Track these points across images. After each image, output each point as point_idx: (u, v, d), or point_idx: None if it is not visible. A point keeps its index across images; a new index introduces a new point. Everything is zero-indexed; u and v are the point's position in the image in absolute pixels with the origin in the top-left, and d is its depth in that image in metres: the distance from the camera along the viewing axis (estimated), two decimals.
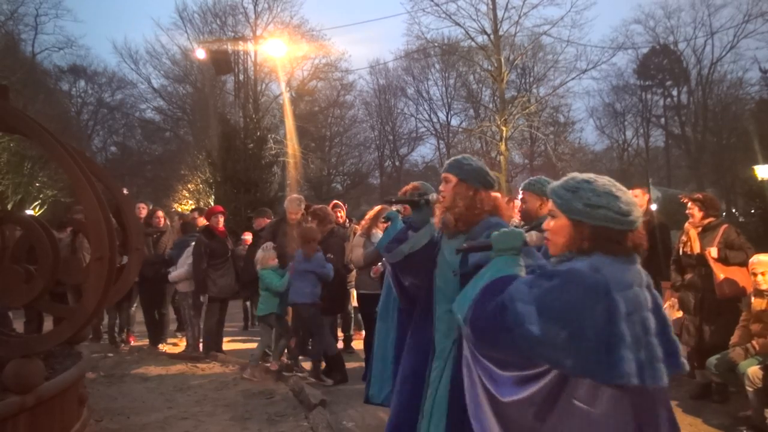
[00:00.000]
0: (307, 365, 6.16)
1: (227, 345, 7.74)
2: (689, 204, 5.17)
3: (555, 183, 1.90)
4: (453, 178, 2.80)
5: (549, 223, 1.85)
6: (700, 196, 5.27)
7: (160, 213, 8.34)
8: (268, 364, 6.27)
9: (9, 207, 19.84)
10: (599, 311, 1.59)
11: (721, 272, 4.81)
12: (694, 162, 31.70)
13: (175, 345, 7.91)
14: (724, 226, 5.07)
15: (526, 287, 1.69)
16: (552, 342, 1.59)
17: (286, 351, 6.33)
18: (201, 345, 7.29)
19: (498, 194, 2.85)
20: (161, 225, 8.06)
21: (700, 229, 5.08)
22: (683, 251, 5.19)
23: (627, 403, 1.61)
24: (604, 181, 1.81)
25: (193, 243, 7.13)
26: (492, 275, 1.86)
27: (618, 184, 1.80)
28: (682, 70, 33.89)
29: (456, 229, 2.75)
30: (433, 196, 3.11)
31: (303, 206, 6.69)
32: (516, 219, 4.09)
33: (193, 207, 16.68)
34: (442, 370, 2.67)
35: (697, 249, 5.06)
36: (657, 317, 1.71)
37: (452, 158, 2.93)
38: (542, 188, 3.19)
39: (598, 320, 1.58)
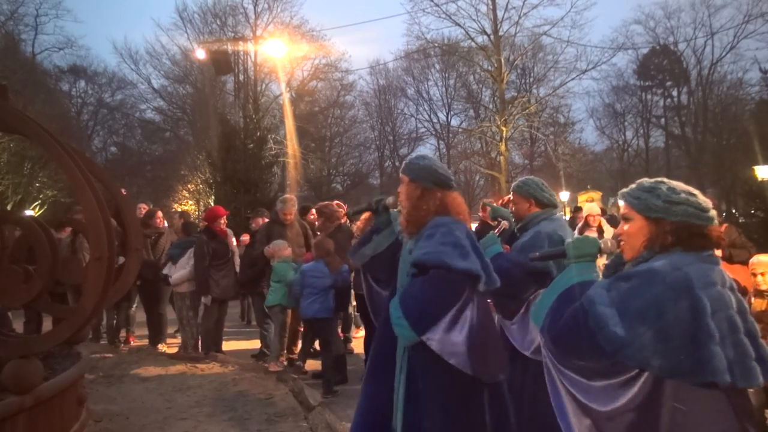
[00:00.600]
0: (310, 366, 6.16)
1: (226, 345, 7.74)
2: None
3: (626, 189, 1.89)
4: (405, 178, 2.80)
5: (623, 227, 1.84)
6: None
7: (159, 213, 8.33)
8: (266, 365, 6.27)
9: (9, 207, 19.84)
10: (683, 308, 1.56)
11: (725, 271, 4.81)
12: (694, 162, 31.73)
13: (174, 346, 7.90)
14: (725, 225, 5.07)
15: (604, 290, 1.67)
16: (638, 342, 1.56)
17: (285, 352, 6.34)
18: (200, 345, 7.28)
19: (455, 194, 2.83)
20: (160, 226, 8.05)
21: None
22: None
23: (726, 403, 1.57)
24: (675, 182, 1.82)
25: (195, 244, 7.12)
26: (567, 282, 1.85)
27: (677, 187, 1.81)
28: (682, 70, 33.94)
29: (407, 229, 2.73)
30: (390, 199, 3.08)
31: (296, 206, 6.68)
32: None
33: (180, 211, 16.65)
34: (400, 373, 2.65)
35: None
36: (743, 320, 1.65)
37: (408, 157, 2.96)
38: (530, 190, 3.26)
39: (683, 317, 1.55)
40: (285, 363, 6.29)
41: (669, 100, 36.22)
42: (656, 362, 1.55)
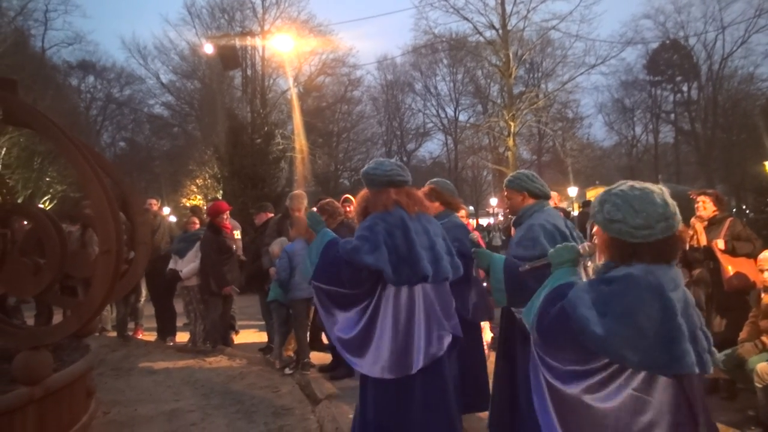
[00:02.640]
0: (316, 359, 6.18)
1: (236, 338, 7.78)
2: (701, 199, 5.15)
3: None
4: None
5: (598, 231, 1.99)
6: (715, 192, 5.26)
7: (153, 201, 8.36)
8: (278, 367, 6.31)
9: (19, 201, 19.98)
10: (656, 309, 1.72)
11: (728, 264, 4.78)
12: (704, 158, 31.49)
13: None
14: (730, 218, 5.06)
15: (585, 293, 1.81)
16: (617, 341, 1.70)
17: (290, 346, 6.36)
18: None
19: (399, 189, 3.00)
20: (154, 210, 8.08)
21: (706, 223, 5.07)
22: (689, 245, 5.17)
23: (680, 389, 1.74)
24: (636, 193, 1.86)
25: (201, 240, 7.16)
26: (551, 285, 2.03)
27: (655, 195, 1.85)
28: (692, 65, 33.65)
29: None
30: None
31: (306, 202, 6.70)
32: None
33: (193, 206, 16.71)
34: None
35: (703, 242, 5.04)
36: (697, 314, 1.84)
37: None
38: (521, 183, 3.34)
39: (657, 317, 1.71)
40: (291, 355, 6.31)
41: (679, 95, 35.94)
42: (635, 358, 1.70)
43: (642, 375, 1.72)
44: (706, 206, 5.11)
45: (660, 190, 1.89)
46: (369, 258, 2.68)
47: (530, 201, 3.32)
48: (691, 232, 5.18)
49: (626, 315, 1.70)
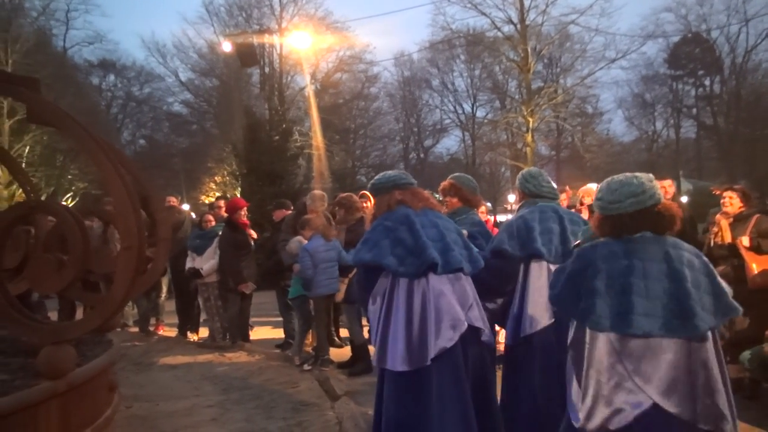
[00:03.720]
0: (335, 356, 6.20)
1: (252, 334, 7.84)
2: (728, 194, 5.05)
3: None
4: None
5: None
6: (741, 188, 5.15)
7: (173, 198, 8.43)
8: (290, 354, 6.34)
9: (42, 199, 20.29)
10: (585, 275, 2.19)
11: (753, 262, 4.69)
12: (726, 153, 30.93)
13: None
14: (757, 215, 4.95)
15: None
16: (561, 299, 2.29)
17: (309, 342, 6.39)
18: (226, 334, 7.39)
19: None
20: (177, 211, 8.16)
21: (731, 219, 4.97)
22: (714, 242, 5.08)
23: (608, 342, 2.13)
24: (619, 178, 2.29)
25: (219, 236, 7.21)
26: None
27: (634, 179, 2.24)
28: (714, 58, 33.03)
29: None
30: None
31: (325, 204, 6.72)
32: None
33: (218, 196, 16.86)
34: None
35: (728, 239, 4.94)
36: (653, 285, 2.11)
37: None
38: (519, 183, 3.58)
39: (582, 280, 2.19)
40: (310, 351, 6.33)
41: (701, 89, 35.29)
42: (574, 313, 2.22)
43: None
44: (732, 202, 5.01)
45: (645, 177, 2.25)
46: (367, 255, 2.83)
47: (525, 199, 3.53)
48: (715, 229, 5.09)
49: (565, 278, 2.26)
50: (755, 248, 4.75)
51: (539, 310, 3.19)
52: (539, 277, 3.26)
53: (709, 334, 2.10)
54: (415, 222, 2.88)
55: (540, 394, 3.11)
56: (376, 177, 3.19)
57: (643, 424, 2.05)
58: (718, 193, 5.20)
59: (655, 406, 2.04)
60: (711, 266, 2.23)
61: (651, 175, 2.29)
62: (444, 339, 2.75)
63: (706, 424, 2.05)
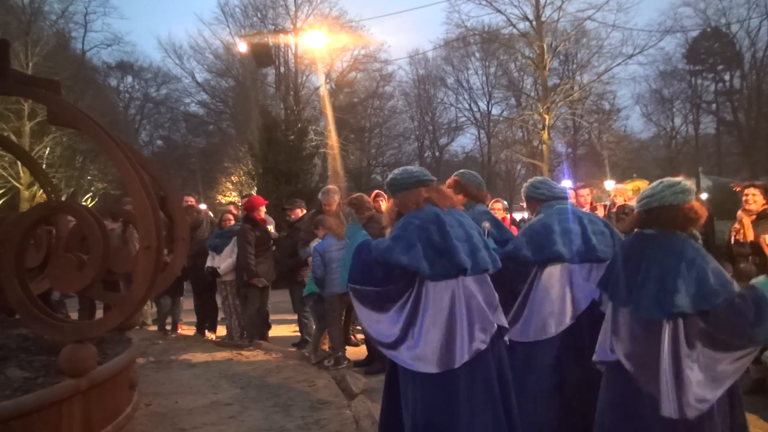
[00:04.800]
0: (351, 354, 6.22)
1: (269, 333, 7.88)
2: (750, 191, 4.96)
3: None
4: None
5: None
6: (764, 184, 5.06)
7: (191, 198, 8.48)
8: (307, 353, 6.36)
9: (63, 199, 20.57)
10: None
11: None
12: (747, 149, 30.41)
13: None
14: None
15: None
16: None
17: (326, 340, 6.41)
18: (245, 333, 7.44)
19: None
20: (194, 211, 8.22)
21: (754, 216, 4.88)
22: (735, 239, 5.00)
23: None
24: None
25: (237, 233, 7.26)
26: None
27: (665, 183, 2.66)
28: (734, 53, 32.49)
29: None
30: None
31: (337, 197, 6.73)
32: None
33: (231, 201, 16.99)
34: None
35: (750, 237, 4.86)
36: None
37: None
38: (528, 194, 3.64)
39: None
40: (327, 350, 6.35)
41: (720, 84, 34.78)
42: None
43: None
44: (755, 199, 4.92)
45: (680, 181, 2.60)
46: (403, 258, 2.70)
47: (541, 204, 3.57)
48: (737, 226, 5.01)
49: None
50: None
51: (550, 318, 3.21)
52: (553, 282, 3.25)
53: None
54: (444, 222, 2.82)
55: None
56: (397, 172, 3.08)
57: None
58: (739, 189, 5.11)
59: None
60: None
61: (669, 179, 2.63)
62: (477, 341, 2.72)
63: None
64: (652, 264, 2.51)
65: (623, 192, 6.38)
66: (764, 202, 4.90)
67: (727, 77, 34.42)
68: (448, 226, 2.81)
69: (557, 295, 3.24)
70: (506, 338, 3.05)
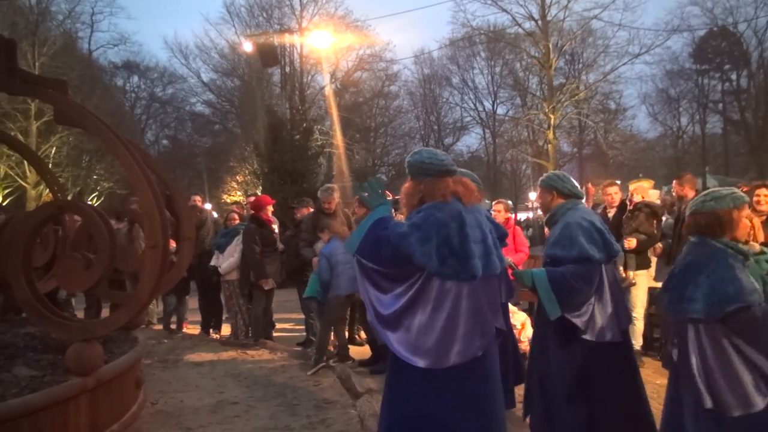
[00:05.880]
0: (355, 353, 6.22)
1: (275, 332, 7.89)
2: (761, 191, 4.92)
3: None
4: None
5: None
6: None
7: (198, 198, 8.51)
8: (310, 351, 6.37)
9: (69, 198, 20.68)
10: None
11: None
12: (755, 149, 30.21)
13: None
14: None
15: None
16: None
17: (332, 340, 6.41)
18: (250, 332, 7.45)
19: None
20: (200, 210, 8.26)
21: (765, 217, 4.84)
22: (745, 240, 4.96)
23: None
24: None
25: (243, 232, 7.27)
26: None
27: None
28: (741, 52, 32.29)
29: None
30: None
31: (337, 195, 6.74)
32: None
33: (235, 201, 17.03)
34: None
35: (761, 238, 4.81)
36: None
37: None
38: (550, 182, 3.49)
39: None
40: (332, 350, 6.36)
41: (727, 83, 34.57)
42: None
43: None
44: (767, 200, 4.88)
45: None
46: (417, 249, 2.58)
47: (559, 200, 3.43)
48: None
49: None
50: None
51: (618, 315, 3.26)
52: (610, 278, 3.29)
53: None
54: (465, 222, 2.70)
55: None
56: (426, 156, 2.85)
57: None
58: (745, 190, 5.07)
59: None
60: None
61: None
62: (475, 347, 2.66)
63: None
64: (681, 269, 2.68)
65: (643, 190, 6.31)
66: None
67: (734, 77, 34.22)
68: (468, 226, 2.70)
69: (614, 293, 3.28)
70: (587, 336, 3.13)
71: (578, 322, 3.16)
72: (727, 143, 35.06)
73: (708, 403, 2.47)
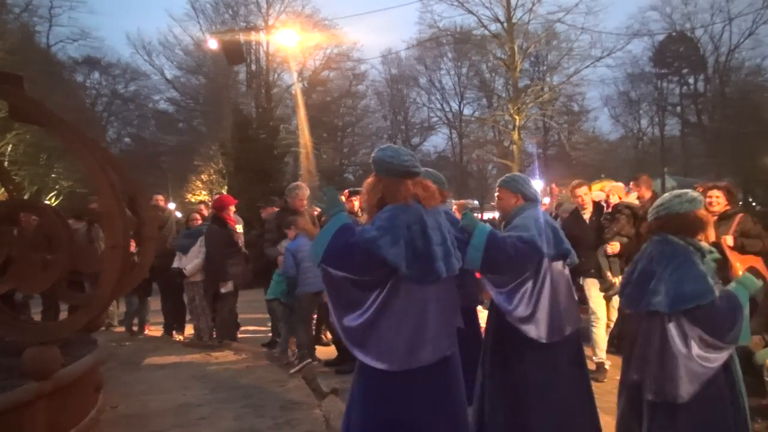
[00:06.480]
0: (321, 354, 6.20)
1: (240, 333, 7.81)
2: (714, 193, 5.05)
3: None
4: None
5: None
6: (726, 185, 5.17)
7: (160, 197, 8.38)
8: (276, 354, 6.33)
9: (26, 198, 20.06)
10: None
11: (736, 261, 4.74)
12: (712, 151, 31.22)
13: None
14: (740, 215, 4.99)
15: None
16: None
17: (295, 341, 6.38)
18: (214, 333, 7.36)
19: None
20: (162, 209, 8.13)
21: (716, 218, 4.99)
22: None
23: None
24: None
25: (205, 233, 7.17)
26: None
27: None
28: (699, 57, 33.36)
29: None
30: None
31: (303, 192, 6.72)
32: None
33: (201, 200, 16.75)
34: None
35: (712, 237, 4.98)
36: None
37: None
38: (518, 186, 3.47)
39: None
40: (296, 350, 6.32)
41: (685, 87, 35.65)
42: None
43: None
44: (719, 201, 5.01)
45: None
46: (389, 252, 2.58)
47: (521, 203, 3.45)
48: None
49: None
50: (739, 248, 4.79)
51: (567, 314, 3.27)
52: (562, 278, 3.31)
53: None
54: (427, 225, 2.73)
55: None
56: (389, 152, 2.83)
57: None
58: (701, 190, 5.22)
59: None
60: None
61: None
62: (443, 347, 2.69)
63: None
64: (646, 264, 2.80)
65: (618, 190, 6.22)
66: (726, 203, 5.01)
67: (691, 81, 35.33)
68: (430, 229, 2.73)
69: (565, 293, 3.31)
70: (537, 336, 3.16)
71: (497, 298, 3.28)
72: (685, 145, 36.13)
73: (653, 394, 2.62)
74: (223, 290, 6.98)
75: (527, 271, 3.20)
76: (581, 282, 5.60)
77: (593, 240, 5.58)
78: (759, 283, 2.82)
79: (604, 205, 5.98)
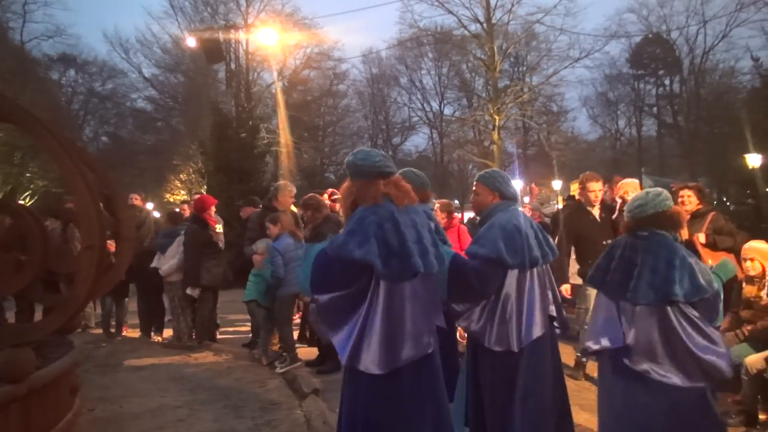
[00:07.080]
0: (303, 354, 6.18)
1: (219, 334, 7.76)
2: (685, 193, 5.16)
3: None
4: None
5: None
6: (697, 185, 5.27)
7: (136, 196, 8.29)
8: (257, 355, 6.30)
9: None
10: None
11: (709, 258, 4.84)
12: (687, 151, 31.77)
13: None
14: (712, 213, 5.11)
15: None
16: None
17: (275, 341, 6.36)
18: (193, 334, 7.29)
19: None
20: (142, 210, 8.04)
21: (688, 216, 5.09)
22: None
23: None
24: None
25: (183, 233, 7.10)
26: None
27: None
28: (674, 59, 33.90)
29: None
30: None
31: (293, 192, 6.69)
32: None
33: (184, 200, 16.58)
34: None
35: (684, 235, 5.07)
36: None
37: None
38: (496, 184, 3.37)
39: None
40: (277, 350, 6.30)
41: (661, 88, 36.21)
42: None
43: None
44: (690, 200, 5.13)
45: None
46: (358, 252, 2.58)
47: (497, 200, 3.36)
48: None
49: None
50: (711, 245, 4.89)
51: (536, 319, 3.20)
52: (533, 285, 3.23)
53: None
54: (400, 222, 2.72)
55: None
56: (360, 155, 2.86)
57: None
58: (675, 189, 5.33)
59: None
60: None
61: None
62: (424, 345, 2.70)
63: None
64: (647, 256, 2.88)
65: (634, 187, 5.92)
66: (698, 202, 5.13)
67: (667, 82, 35.89)
68: (403, 226, 2.73)
69: (528, 300, 3.21)
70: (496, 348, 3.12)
71: (459, 309, 3.24)
72: (661, 145, 36.71)
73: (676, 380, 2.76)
74: (188, 292, 6.92)
75: (491, 289, 3.15)
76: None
77: (604, 238, 5.19)
78: (734, 268, 3.08)
79: (618, 201, 5.47)
